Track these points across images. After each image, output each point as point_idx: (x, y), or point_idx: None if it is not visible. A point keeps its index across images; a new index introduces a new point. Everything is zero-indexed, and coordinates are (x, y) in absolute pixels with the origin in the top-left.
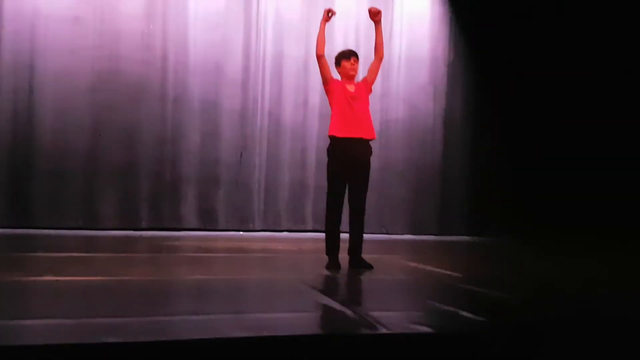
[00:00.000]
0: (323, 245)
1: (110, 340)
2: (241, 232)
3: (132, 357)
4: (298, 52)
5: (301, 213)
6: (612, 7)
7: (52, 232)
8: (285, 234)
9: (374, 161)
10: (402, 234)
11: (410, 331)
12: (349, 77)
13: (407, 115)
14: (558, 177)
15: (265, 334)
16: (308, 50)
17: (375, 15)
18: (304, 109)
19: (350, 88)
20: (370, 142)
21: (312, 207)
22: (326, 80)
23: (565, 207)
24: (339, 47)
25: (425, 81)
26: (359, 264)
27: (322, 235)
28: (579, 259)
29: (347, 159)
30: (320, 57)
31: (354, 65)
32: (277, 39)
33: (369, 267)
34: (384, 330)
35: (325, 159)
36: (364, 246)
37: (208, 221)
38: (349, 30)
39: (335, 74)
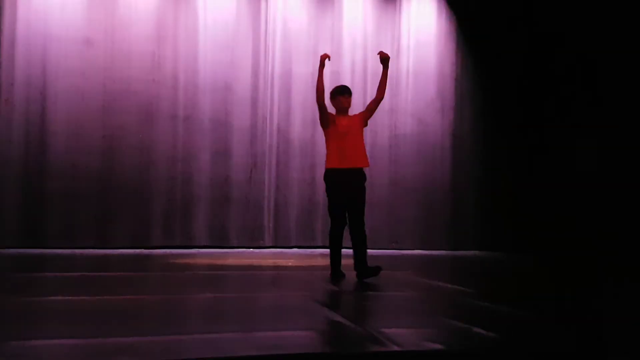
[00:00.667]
0: None
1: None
2: (251, 249)
3: None
4: (306, 69)
5: (311, 229)
6: (622, 16)
7: (64, 252)
8: (295, 250)
9: (384, 177)
10: (413, 249)
11: (423, 348)
12: (342, 110)
13: (415, 131)
14: (569, 191)
15: (276, 352)
16: (316, 67)
17: (384, 60)
18: (312, 126)
19: (344, 122)
20: (366, 168)
21: (321, 223)
22: (326, 124)
23: (577, 222)
24: (348, 61)
25: (433, 96)
26: (365, 272)
27: None
28: (591, 275)
29: (342, 185)
30: (320, 105)
31: (347, 99)
32: (285, 57)
33: (376, 272)
34: (395, 348)
35: None
36: (377, 260)
37: (219, 239)
38: (357, 45)
39: (330, 107)
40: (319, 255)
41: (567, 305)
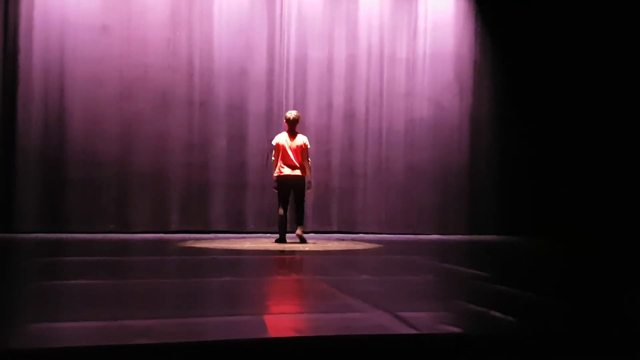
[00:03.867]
0: (350, 245)
1: (142, 341)
2: (268, 234)
3: (164, 358)
4: (322, 53)
5: (327, 214)
6: None
7: (84, 236)
8: (311, 235)
9: (399, 161)
10: (429, 234)
11: (440, 332)
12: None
13: (432, 114)
14: (588, 176)
15: (293, 335)
16: (331, 52)
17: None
18: (328, 111)
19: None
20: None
21: (337, 208)
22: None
23: (595, 207)
24: (364, 44)
25: (450, 79)
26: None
27: (349, 235)
28: (608, 258)
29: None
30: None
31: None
32: (300, 41)
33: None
34: (412, 331)
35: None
36: (392, 246)
37: (236, 224)
38: (373, 28)
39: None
40: (335, 240)
41: (586, 289)
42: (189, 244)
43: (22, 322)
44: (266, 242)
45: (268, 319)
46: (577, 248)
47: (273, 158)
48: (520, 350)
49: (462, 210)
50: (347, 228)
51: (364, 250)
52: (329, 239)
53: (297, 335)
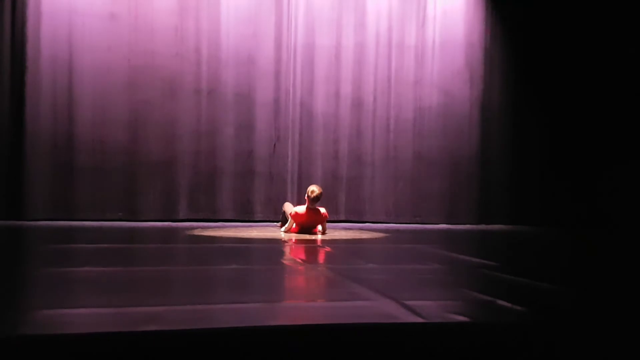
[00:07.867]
0: (357, 234)
1: (150, 328)
2: (275, 223)
3: (172, 345)
4: (329, 41)
5: (334, 204)
6: None
7: (93, 224)
8: None
9: (407, 150)
10: (438, 224)
11: (447, 320)
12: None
13: (441, 103)
14: (600, 166)
15: (301, 322)
16: (339, 40)
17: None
18: (335, 99)
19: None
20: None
21: (344, 197)
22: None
23: (607, 196)
24: (372, 32)
25: (460, 67)
26: None
27: (356, 225)
28: (619, 249)
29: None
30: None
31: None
32: (308, 29)
33: None
34: (419, 319)
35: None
36: (399, 235)
37: (243, 212)
38: (381, 16)
39: None
40: (342, 229)
41: (595, 279)
42: (197, 232)
43: (32, 309)
44: (273, 231)
45: (275, 306)
46: (587, 239)
47: (288, 225)
48: (528, 339)
49: (471, 199)
50: (355, 217)
51: (371, 239)
52: (336, 228)
53: (304, 323)
